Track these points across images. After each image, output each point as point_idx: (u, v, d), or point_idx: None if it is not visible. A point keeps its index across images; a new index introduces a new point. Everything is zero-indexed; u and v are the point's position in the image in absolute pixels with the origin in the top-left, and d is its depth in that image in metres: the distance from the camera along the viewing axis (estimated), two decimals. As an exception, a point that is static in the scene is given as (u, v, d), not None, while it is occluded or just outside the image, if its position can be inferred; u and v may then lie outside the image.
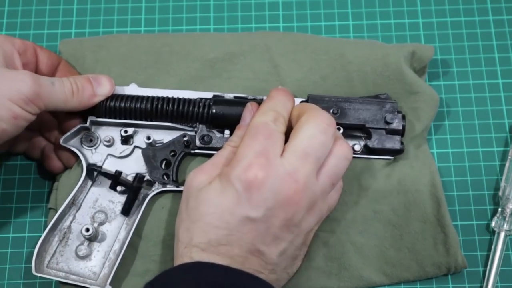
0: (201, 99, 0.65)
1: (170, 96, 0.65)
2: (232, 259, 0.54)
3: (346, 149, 0.58)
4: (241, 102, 0.64)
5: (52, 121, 0.67)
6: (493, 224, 0.67)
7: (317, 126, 0.56)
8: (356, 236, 0.64)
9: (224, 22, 0.76)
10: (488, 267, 0.65)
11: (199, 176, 0.58)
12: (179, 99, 0.65)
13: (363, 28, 0.76)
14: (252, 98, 0.65)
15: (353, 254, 0.64)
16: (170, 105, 0.64)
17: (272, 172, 0.54)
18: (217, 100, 0.65)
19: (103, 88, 0.63)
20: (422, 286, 0.66)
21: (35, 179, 0.70)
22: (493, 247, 0.66)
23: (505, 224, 0.66)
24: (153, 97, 0.64)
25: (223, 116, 0.64)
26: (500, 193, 0.68)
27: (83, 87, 0.62)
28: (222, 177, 0.56)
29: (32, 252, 0.62)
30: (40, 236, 0.64)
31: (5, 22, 0.76)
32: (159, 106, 0.64)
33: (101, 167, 0.64)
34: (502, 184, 0.68)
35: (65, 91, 0.60)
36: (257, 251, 0.55)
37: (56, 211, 0.64)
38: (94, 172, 0.64)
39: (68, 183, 0.66)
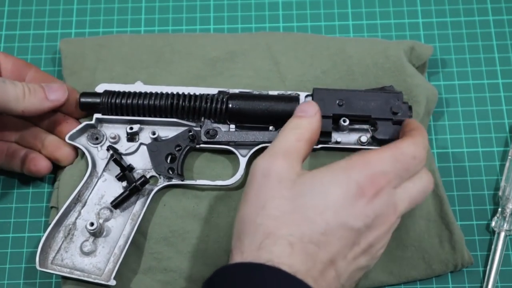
0: (214, 94, 0.65)
1: (182, 92, 0.65)
2: (314, 265, 0.50)
3: None
4: (256, 96, 0.65)
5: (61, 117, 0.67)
6: (493, 224, 0.67)
7: (431, 185, 0.57)
8: None
9: (224, 22, 0.76)
10: (488, 267, 0.65)
11: (279, 164, 0.54)
12: (195, 96, 0.65)
13: (363, 28, 0.76)
14: (257, 93, 0.66)
15: None
16: (187, 101, 0.64)
17: (387, 196, 0.53)
18: (233, 95, 0.65)
19: (55, 94, 0.63)
20: (422, 286, 0.66)
21: (35, 179, 0.70)
22: (493, 247, 0.66)
23: (505, 224, 0.66)
24: (167, 94, 0.65)
25: (239, 110, 0.64)
26: (500, 193, 0.68)
27: (35, 90, 0.62)
28: (336, 171, 0.53)
29: (33, 252, 0.62)
30: (41, 235, 0.64)
31: (5, 22, 0.76)
32: (175, 102, 0.64)
33: (120, 153, 0.65)
34: (502, 184, 0.68)
35: (16, 91, 0.61)
36: (337, 264, 0.52)
37: (58, 210, 0.64)
38: (108, 154, 0.64)
39: (70, 181, 0.66)
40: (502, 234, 0.66)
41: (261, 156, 0.56)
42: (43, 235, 0.62)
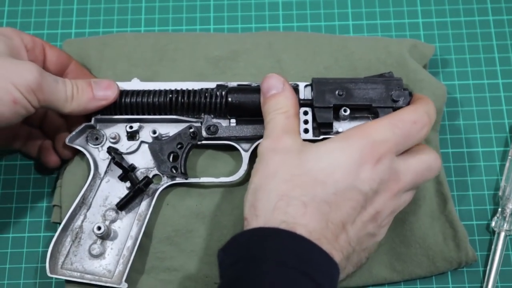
0: (212, 89, 0.65)
1: (180, 88, 0.65)
2: (326, 225, 0.52)
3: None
4: (255, 89, 0.64)
5: (60, 121, 0.67)
6: (493, 224, 0.67)
7: (436, 162, 0.58)
8: None
9: (224, 22, 0.76)
10: (488, 267, 0.65)
11: (283, 139, 0.57)
12: (194, 91, 0.65)
13: (363, 28, 0.76)
14: (255, 85, 0.65)
15: None
16: (185, 97, 0.64)
17: (390, 161, 0.55)
18: (232, 89, 0.65)
19: (104, 93, 0.62)
20: (422, 286, 0.66)
21: (35, 179, 0.70)
22: (493, 247, 0.66)
23: (505, 224, 0.66)
24: (165, 91, 0.64)
25: (239, 104, 0.64)
26: (500, 193, 0.68)
27: (83, 90, 0.61)
28: (338, 140, 0.55)
29: (33, 252, 0.61)
30: (41, 235, 0.63)
31: (5, 22, 0.76)
32: (173, 99, 0.64)
33: (121, 153, 0.64)
34: (502, 184, 0.68)
35: (66, 91, 0.60)
36: (348, 226, 0.53)
37: (61, 208, 0.64)
38: (108, 158, 0.64)
39: (72, 180, 0.66)
40: (502, 234, 0.66)
41: (263, 140, 0.58)
42: (42, 235, 0.62)
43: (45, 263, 0.64)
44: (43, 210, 0.68)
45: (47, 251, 0.66)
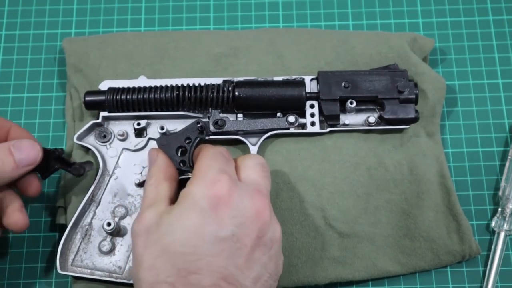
0: (219, 84, 0.65)
1: (187, 83, 0.65)
2: None
3: None
4: (262, 83, 0.65)
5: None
6: (493, 224, 0.67)
7: (258, 158, 0.58)
8: (369, 226, 0.65)
9: (224, 22, 0.76)
10: (488, 267, 0.65)
11: (145, 216, 0.54)
12: (201, 86, 0.65)
13: (363, 28, 0.76)
14: (262, 79, 0.66)
15: (366, 244, 0.64)
16: (192, 92, 0.64)
17: (237, 188, 0.53)
18: (239, 83, 0.65)
19: (27, 157, 0.58)
20: (422, 286, 0.66)
21: (35, 179, 0.70)
22: (493, 247, 0.66)
23: (505, 224, 0.66)
24: (172, 86, 0.65)
25: (246, 98, 0.64)
26: (500, 193, 0.68)
27: (3, 162, 0.56)
28: (182, 198, 0.53)
29: (33, 252, 0.61)
30: (41, 235, 0.63)
31: (5, 22, 0.76)
32: (181, 94, 0.64)
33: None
34: (502, 184, 0.68)
35: None
36: (231, 277, 0.51)
37: (65, 209, 0.64)
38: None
39: (75, 180, 0.65)
40: (502, 234, 0.66)
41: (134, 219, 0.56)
42: (42, 235, 0.62)
43: (45, 263, 0.64)
44: (43, 210, 0.68)
45: (47, 251, 0.66)
